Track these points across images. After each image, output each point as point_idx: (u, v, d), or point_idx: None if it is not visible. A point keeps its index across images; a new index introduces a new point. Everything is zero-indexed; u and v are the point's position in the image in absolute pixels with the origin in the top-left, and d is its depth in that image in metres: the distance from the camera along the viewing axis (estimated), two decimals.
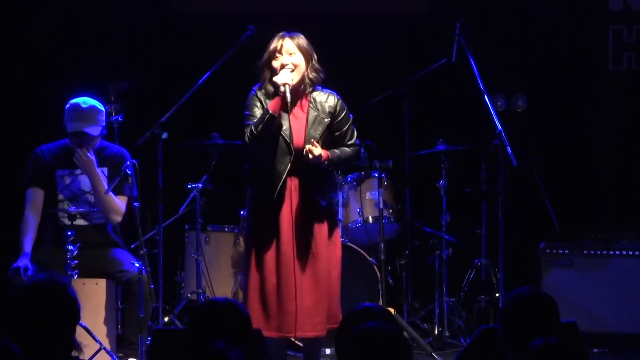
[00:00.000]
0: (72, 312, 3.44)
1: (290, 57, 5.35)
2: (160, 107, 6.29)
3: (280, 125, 5.31)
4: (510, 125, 6.77)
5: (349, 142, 5.47)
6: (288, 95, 5.26)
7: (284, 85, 5.28)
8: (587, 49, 8.00)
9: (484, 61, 6.63)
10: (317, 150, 5.27)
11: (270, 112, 5.27)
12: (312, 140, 5.29)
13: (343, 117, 5.45)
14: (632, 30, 7.96)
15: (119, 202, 5.96)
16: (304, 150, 5.26)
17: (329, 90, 5.48)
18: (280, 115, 5.31)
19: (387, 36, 7.98)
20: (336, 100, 5.44)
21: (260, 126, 5.28)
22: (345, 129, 5.45)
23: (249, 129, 5.32)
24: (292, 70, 5.34)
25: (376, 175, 6.95)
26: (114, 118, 6.99)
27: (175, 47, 7.97)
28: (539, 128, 7.94)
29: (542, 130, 7.94)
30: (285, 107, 5.29)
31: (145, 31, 7.94)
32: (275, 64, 5.35)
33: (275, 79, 5.31)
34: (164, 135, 6.05)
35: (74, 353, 3.46)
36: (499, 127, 6.22)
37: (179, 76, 7.39)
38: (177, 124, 6.37)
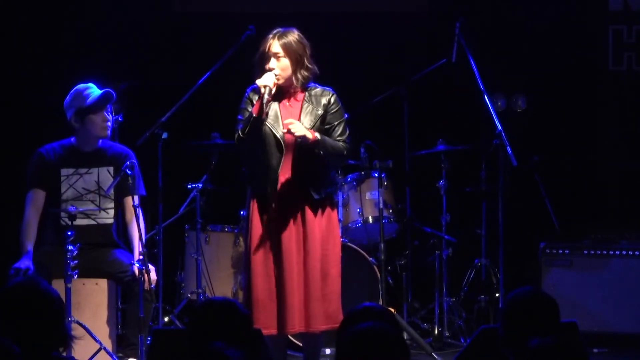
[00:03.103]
0: (47, 310, 3.45)
1: (276, 61, 5.34)
2: (160, 107, 6.29)
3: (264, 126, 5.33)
4: (510, 125, 6.77)
5: (338, 137, 5.42)
6: (266, 97, 5.26)
7: (263, 87, 5.27)
8: (587, 49, 8.00)
9: (484, 61, 6.64)
10: (296, 125, 5.25)
11: (254, 115, 5.28)
12: (289, 119, 5.29)
13: (336, 111, 5.44)
14: (632, 30, 7.96)
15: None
16: (287, 130, 5.26)
17: (325, 87, 5.49)
18: (266, 116, 5.30)
19: (387, 36, 7.98)
20: (331, 95, 5.45)
21: (246, 129, 5.30)
22: (336, 123, 5.43)
23: (236, 133, 5.37)
24: (278, 73, 5.32)
25: (376, 175, 6.95)
26: (114, 118, 6.98)
27: (176, 47, 7.97)
28: (539, 128, 7.94)
29: (542, 130, 7.94)
30: (265, 108, 5.27)
31: (146, 31, 7.94)
32: (264, 65, 5.37)
33: (257, 81, 5.32)
34: (164, 135, 6.05)
35: (61, 350, 3.47)
36: (499, 127, 6.22)
37: (179, 76, 7.38)
38: (177, 124, 6.36)
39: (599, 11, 7.98)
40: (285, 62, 5.36)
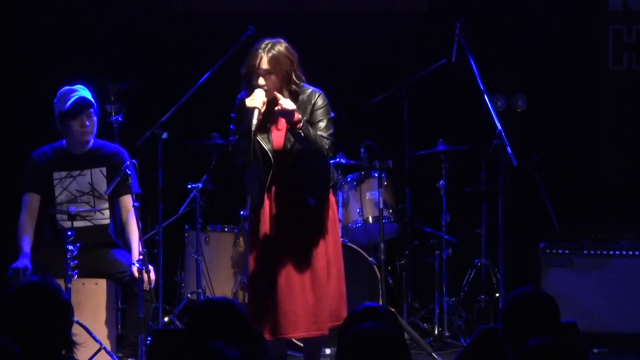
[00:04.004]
0: (55, 313, 3.45)
1: (264, 79, 5.27)
2: (160, 107, 6.29)
3: (256, 143, 5.31)
4: (510, 125, 6.76)
5: (320, 132, 5.32)
6: (254, 121, 5.21)
7: (252, 109, 5.23)
8: (587, 49, 8.00)
9: (484, 61, 6.63)
10: (283, 100, 5.22)
11: (243, 133, 5.24)
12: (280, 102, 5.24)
13: (319, 109, 5.36)
14: (632, 30, 7.96)
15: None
16: (278, 107, 5.21)
17: (315, 88, 5.42)
18: (255, 134, 5.26)
19: (387, 36, 7.97)
20: (317, 96, 5.37)
21: (238, 145, 5.30)
22: (318, 120, 5.35)
23: (230, 146, 5.38)
24: (266, 90, 5.27)
25: (376, 175, 6.94)
26: (114, 118, 6.99)
27: (176, 47, 7.97)
28: (539, 128, 7.94)
29: (542, 130, 7.94)
30: (255, 128, 5.24)
31: (146, 31, 7.94)
32: (253, 79, 5.30)
33: (247, 101, 5.26)
34: (164, 135, 6.05)
35: (63, 352, 3.47)
36: (499, 127, 6.22)
37: (179, 76, 7.38)
38: (177, 124, 6.36)
39: (599, 11, 7.98)
40: (274, 80, 5.29)
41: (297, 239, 5.35)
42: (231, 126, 5.43)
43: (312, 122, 5.35)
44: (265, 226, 5.39)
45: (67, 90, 6.05)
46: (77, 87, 6.08)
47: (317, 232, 5.38)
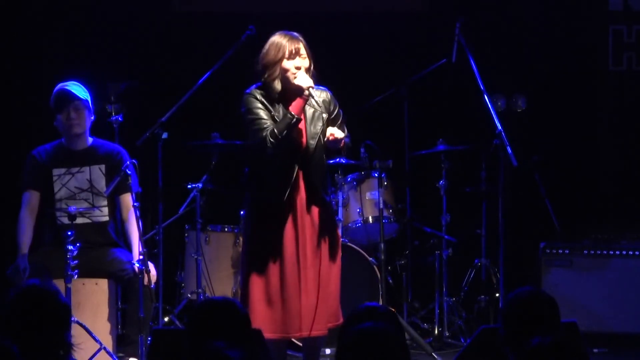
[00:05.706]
0: (55, 317, 3.47)
1: (303, 61, 5.27)
2: (160, 107, 6.29)
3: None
4: (510, 125, 6.77)
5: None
6: (315, 97, 5.21)
7: (308, 88, 5.21)
8: (587, 49, 8.00)
9: (484, 61, 6.64)
10: (335, 131, 5.24)
11: (296, 116, 5.20)
12: (330, 133, 5.25)
13: (337, 112, 5.41)
14: (632, 30, 7.97)
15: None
16: (328, 137, 5.22)
17: (320, 87, 5.41)
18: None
19: (387, 36, 7.98)
20: (330, 96, 5.39)
21: (285, 131, 5.19)
22: (341, 121, 5.41)
23: (269, 133, 5.18)
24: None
25: (376, 175, 6.95)
26: (114, 118, 6.99)
27: (176, 47, 7.97)
28: (539, 128, 7.94)
29: (542, 130, 7.95)
30: (304, 109, 5.26)
31: (146, 31, 7.94)
32: (288, 64, 5.25)
33: (297, 82, 5.21)
34: (164, 135, 6.05)
35: (61, 352, 3.48)
36: (499, 127, 6.23)
37: (179, 76, 7.39)
38: (177, 124, 6.36)
39: (599, 11, 7.98)
40: (308, 63, 5.32)
41: (307, 237, 5.33)
42: (250, 117, 5.25)
43: (331, 124, 5.36)
44: (278, 224, 5.33)
45: (58, 86, 6.08)
46: (69, 82, 6.09)
47: (325, 232, 5.38)
